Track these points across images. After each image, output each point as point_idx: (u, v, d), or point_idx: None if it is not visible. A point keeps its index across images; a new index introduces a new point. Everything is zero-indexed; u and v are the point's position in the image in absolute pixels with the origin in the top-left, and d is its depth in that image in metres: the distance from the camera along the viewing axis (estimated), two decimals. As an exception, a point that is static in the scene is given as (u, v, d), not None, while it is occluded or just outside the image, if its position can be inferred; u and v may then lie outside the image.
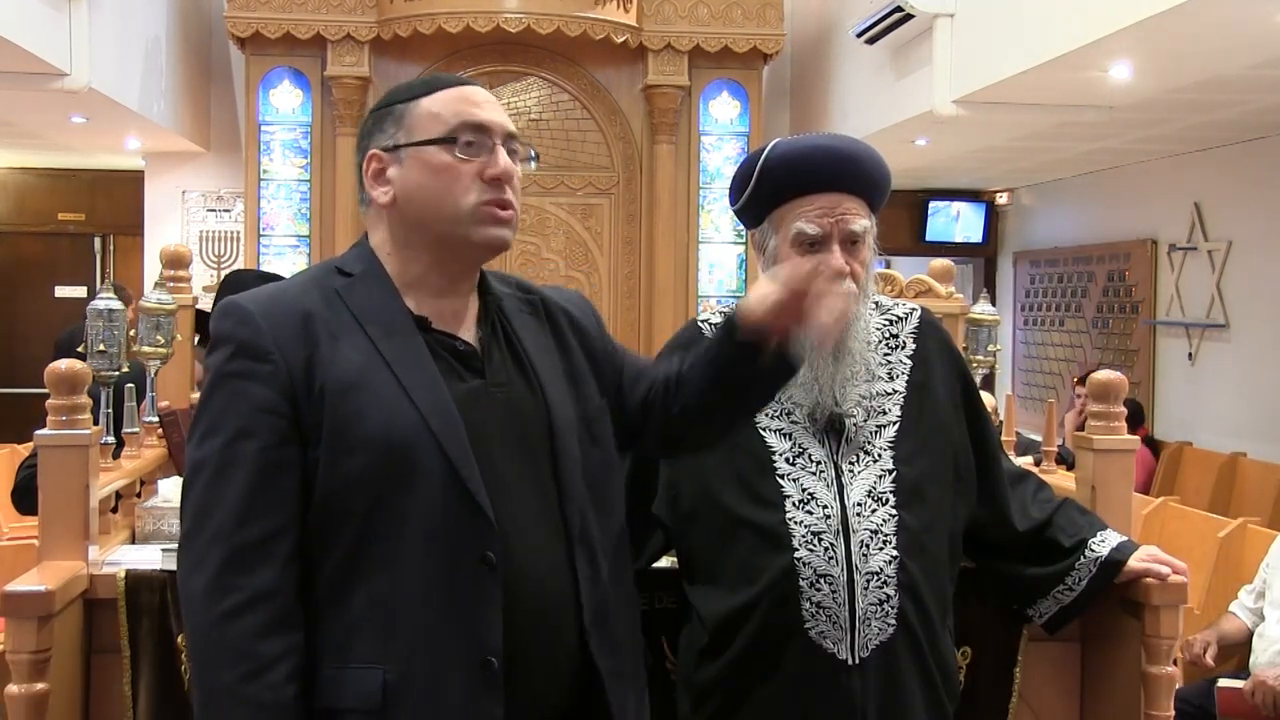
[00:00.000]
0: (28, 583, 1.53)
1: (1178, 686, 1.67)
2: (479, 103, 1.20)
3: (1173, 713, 1.63)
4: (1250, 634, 2.95)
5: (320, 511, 1.11)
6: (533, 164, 1.24)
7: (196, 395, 2.40)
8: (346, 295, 1.17)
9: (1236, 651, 2.95)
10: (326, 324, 1.14)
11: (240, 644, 1.06)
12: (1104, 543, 1.57)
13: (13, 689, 1.50)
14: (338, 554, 1.11)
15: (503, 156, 1.18)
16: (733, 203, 1.55)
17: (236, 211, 6.20)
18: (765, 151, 1.48)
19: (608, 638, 1.18)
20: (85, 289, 7.08)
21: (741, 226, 1.59)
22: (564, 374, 1.25)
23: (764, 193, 1.47)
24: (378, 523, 1.10)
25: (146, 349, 2.20)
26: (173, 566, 1.58)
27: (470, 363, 1.19)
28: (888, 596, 1.39)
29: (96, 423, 1.77)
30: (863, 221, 1.44)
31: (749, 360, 1.21)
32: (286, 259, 5.43)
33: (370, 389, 1.12)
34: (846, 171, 1.44)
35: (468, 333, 1.21)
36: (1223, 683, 2.83)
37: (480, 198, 1.17)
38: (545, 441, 1.20)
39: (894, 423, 1.46)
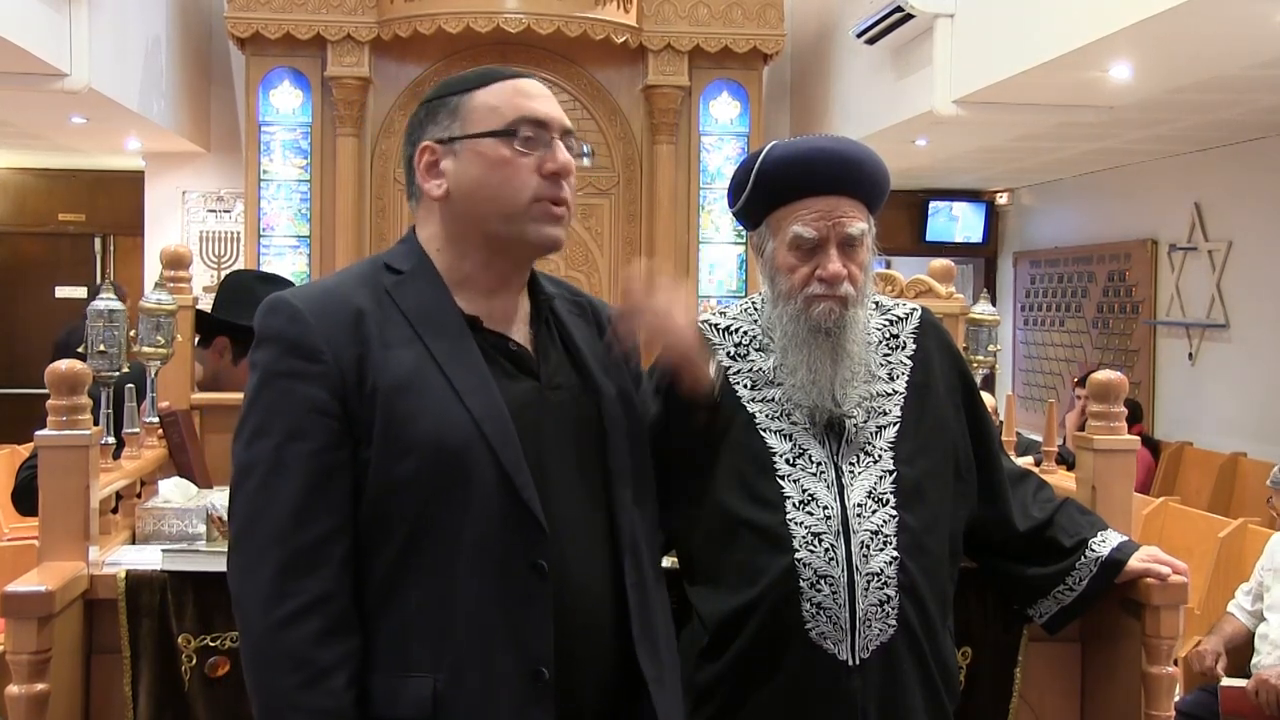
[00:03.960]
0: (28, 583, 1.52)
1: (1179, 696, 1.67)
2: (536, 95, 1.18)
3: (1173, 713, 1.63)
4: (1250, 634, 2.95)
5: (370, 514, 1.09)
6: (586, 160, 1.21)
7: (198, 395, 2.41)
8: (396, 293, 1.14)
9: (1238, 653, 2.95)
10: (378, 323, 1.11)
11: (298, 651, 1.04)
12: (1104, 543, 1.57)
13: (13, 689, 1.50)
14: (388, 558, 1.09)
15: (562, 151, 1.16)
16: (731, 205, 1.54)
17: (236, 212, 6.20)
18: (762, 155, 1.47)
19: (652, 645, 1.17)
20: (86, 289, 7.08)
21: (742, 227, 1.59)
22: (615, 376, 1.23)
23: (761, 196, 1.47)
24: (428, 527, 1.08)
25: (147, 349, 2.20)
26: (171, 567, 1.58)
27: (522, 364, 1.17)
28: (888, 597, 1.38)
29: (97, 423, 1.77)
30: (860, 224, 1.44)
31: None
32: (286, 259, 5.43)
33: (422, 391, 1.09)
34: (844, 174, 1.44)
35: (519, 332, 1.19)
36: (1226, 682, 2.83)
37: (538, 193, 1.15)
38: (597, 444, 1.18)
39: (894, 423, 1.46)
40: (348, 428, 1.09)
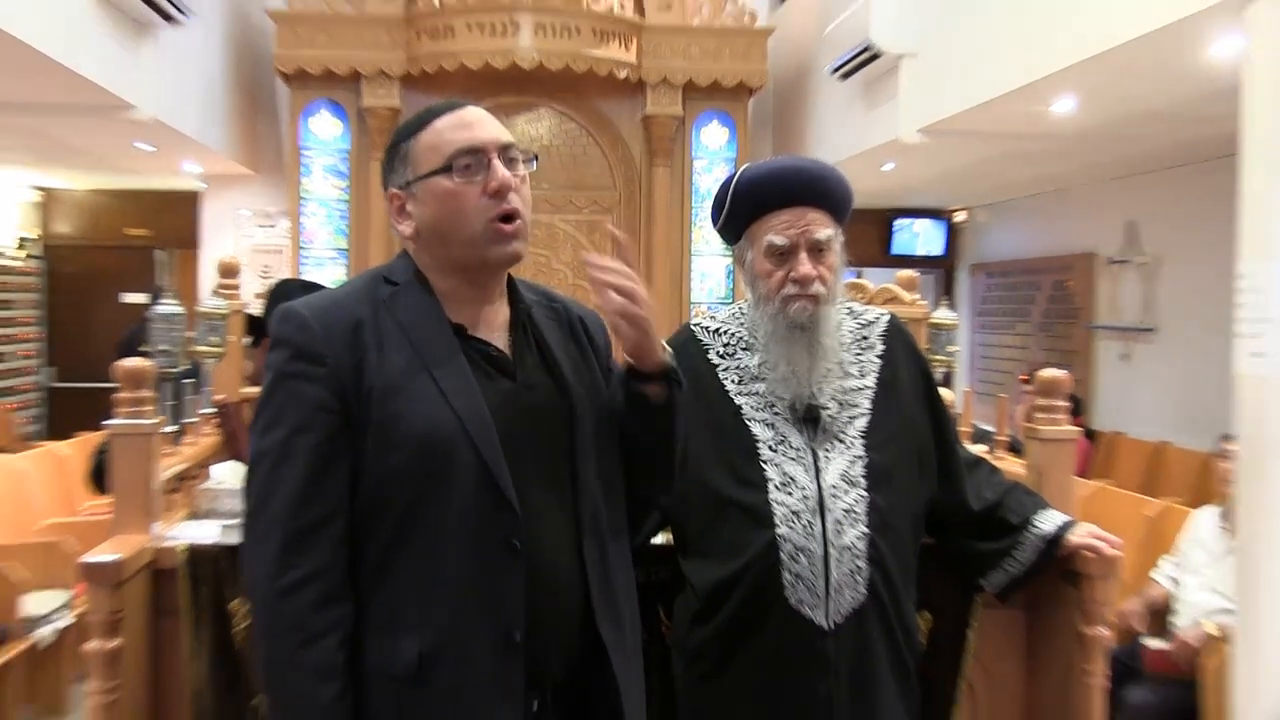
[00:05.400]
0: (102, 553, 1.54)
1: (1109, 648, 1.67)
2: (470, 123, 1.16)
3: (1106, 669, 1.64)
4: (1171, 599, 2.96)
5: (366, 499, 1.11)
6: (533, 164, 1.19)
7: (246, 390, 2.41)
8: (391, 304, 1.15)
9: (1159, 616, 2.96)
10: (374, 331, 1.13)
11: (297, 616, 1.06)
12: (1048, 521, 1.57)
13: (91, 645, 1.52)
14: (382, 536, 1.11)
15: (499, 169, 1.15)
16: (714, 223, 1.54)
17: (282, 227, 6.20)
18: (736, 177, 1.48)
19: (611, 613, 1.18)
20: (150, 296, 7.08)
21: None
22: (584, 375, 1.24)
23: (738, 212, 1.47)
24: (417, 510, 1.10)
25: (203, 348, 2.21)
26: (228, 541, 1.59)
27: (502, 366, 1.18)
28: (859, 568, 1.38)
29: (159, 414, 1.77)
30: (826, 231, 1.43)
31: (643, 400, 1.19)
32: (326, 269, 5.44)
33: (412, 392, 1.11)
34: (809, 187, 1.44)
35: (499, 338, 1.20)
36: (1148, 642, 2.84)
37: (487, 214, 1.14)
38: (566, 438, 1.19)
39: (865, 414, 1.46)
40: (347, 423, 1.10)
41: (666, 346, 1.21)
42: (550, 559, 1.14)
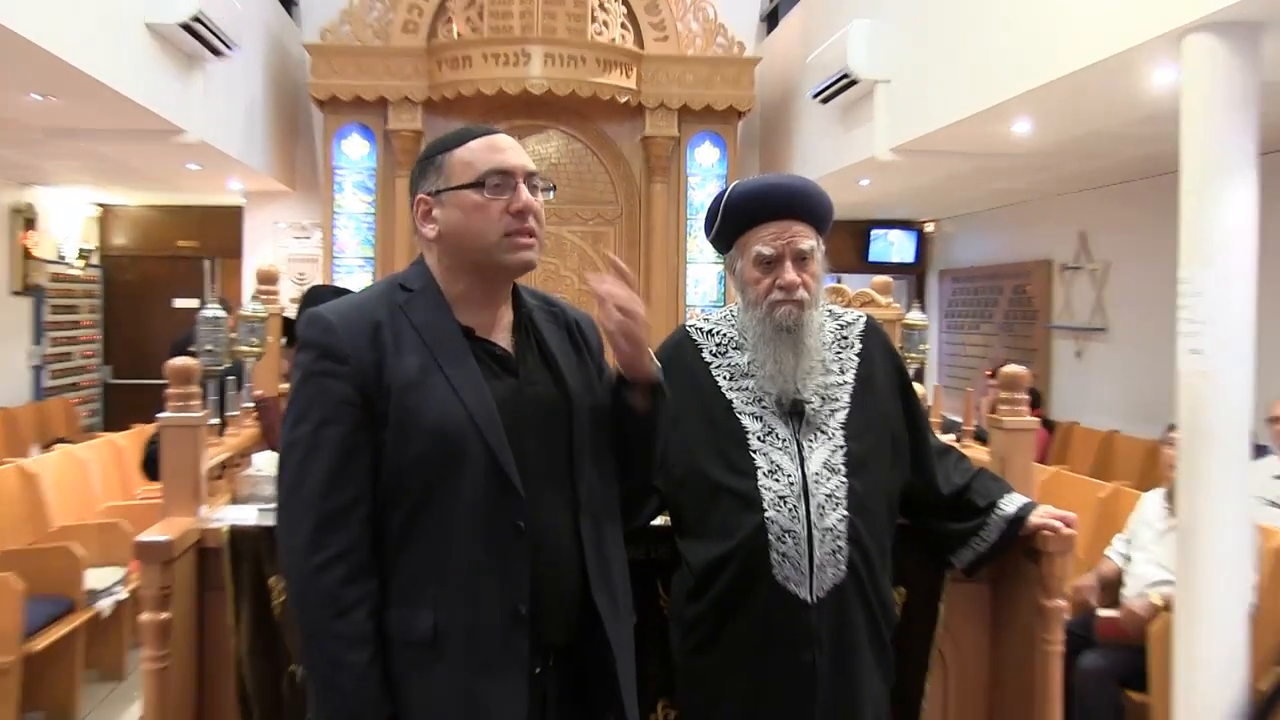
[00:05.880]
0: (154, 534, 1.53)
1: (1066, 618, 1.66)
2: (503, 149, 1.19)
3: (1063, 637, 1.63)
4: (1121, 573, 2.95)
5: (387, 484, 1.11)
6: (551, 194, 1.22)
7: (283, 386, 2.40)
8: (408, 309, 1.16)
9: (1111, 589, 2.95)
10: (393, 333, 1.13)
11: (330, 590, 1.07)
12: (1011, 503, 1.57)
13: (145, 616, 1.51)
14: (400, 519, 1.11)
15: (524, 193, 1.17)
16: (707, 234, 1.54)
17: (316, 238, 6.19)
18: (727, 192, 1.47)
19: (606, 587, 1.18)
20: (197, 301, 7.07)
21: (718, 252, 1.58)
22: (580, 372, 1.24)
23: (729, 224, 1.46)
24: (431, 495, 1.10)
25: (245, 348, 2.19)
26: (267, 523, 1.58)
27: (506, 365, 1.18)
28: (840, 548, 1.38)
29: (206, 407, 1.76)
30: (810, 241, 1.43)
31: (629, 407, 1.21)
32: (355, 276, 5.43)
33: (427, 388, 1.11)
34: (793, 202, 1.43)
35: (503, 338, 1.21)
36: (1100, 612, 2.83)
37: (506, 228, 1.16)
38: (565, 428, 1.19)
39: (844, 407, 1.46)
40: (369, 417, 1.10)
41: (656, 360, 1.20)
42: (552, 539, 1.14)
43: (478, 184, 1.16)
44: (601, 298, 1.14)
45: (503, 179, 1.17)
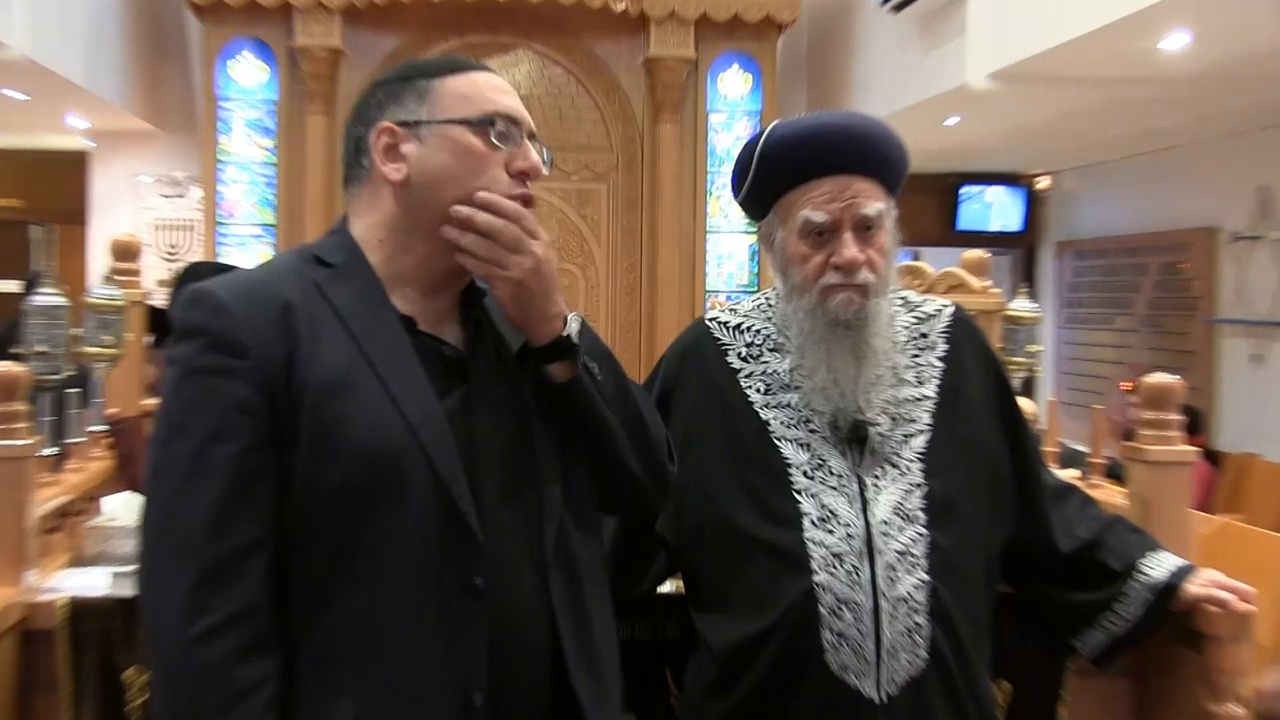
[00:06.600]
0: (-42, 611, 1.53)
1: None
2: (507, 92, 1.24)
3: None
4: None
5: (295, 524, 1.11)
6: (546, 168, 1.25)
7: (149, 401, 2.41)
8: (327, 288, 1.17)
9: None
10: (308, 318, 1.14)
11: (216, 669, 1.06)
12: (1159, 565, 1.57)
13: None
14: (312, 573, 1.11)
15: (532, 151, 1.21)
16: (735, 193, 1.55)
17: (193, 197, 6.21)
18: (763, 136, 1.48)
19: (589, 666, 1.19)
20: (21, 283, 7.08)
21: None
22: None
23: (766, 181, 1.48)
24: (357, 540, 1.11)
25: (93, 349, 2.21)
26: (123, 592, 1.58)
27: (455, 368, 1.20)
28: (917, 625, 1.38)
29: (36, 432, 1.77)
30: (877, 204, 1.44)
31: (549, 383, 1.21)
32: (250, 250, 5.43)
33: (354, 393, 1.12)
34: (854, 150, 1.44)
35: (451, 334, 1.22)
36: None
37: (506, 192, 1.19)
38: (528, 452, 1.20)
39: (923, 431, 1.46)
40: (273, 429, 1.11)
41: (563, 304, 1.21)
42: (516, 602, 1.15)
43: (483, 123, 1.19)
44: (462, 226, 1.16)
45: (509, 127, 1.20)
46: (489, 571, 1.12)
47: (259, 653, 1.08)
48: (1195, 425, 4.79)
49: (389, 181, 1.19)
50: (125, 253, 2.50)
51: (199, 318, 1.13)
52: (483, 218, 1.17)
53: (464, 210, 1.17)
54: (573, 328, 1.21)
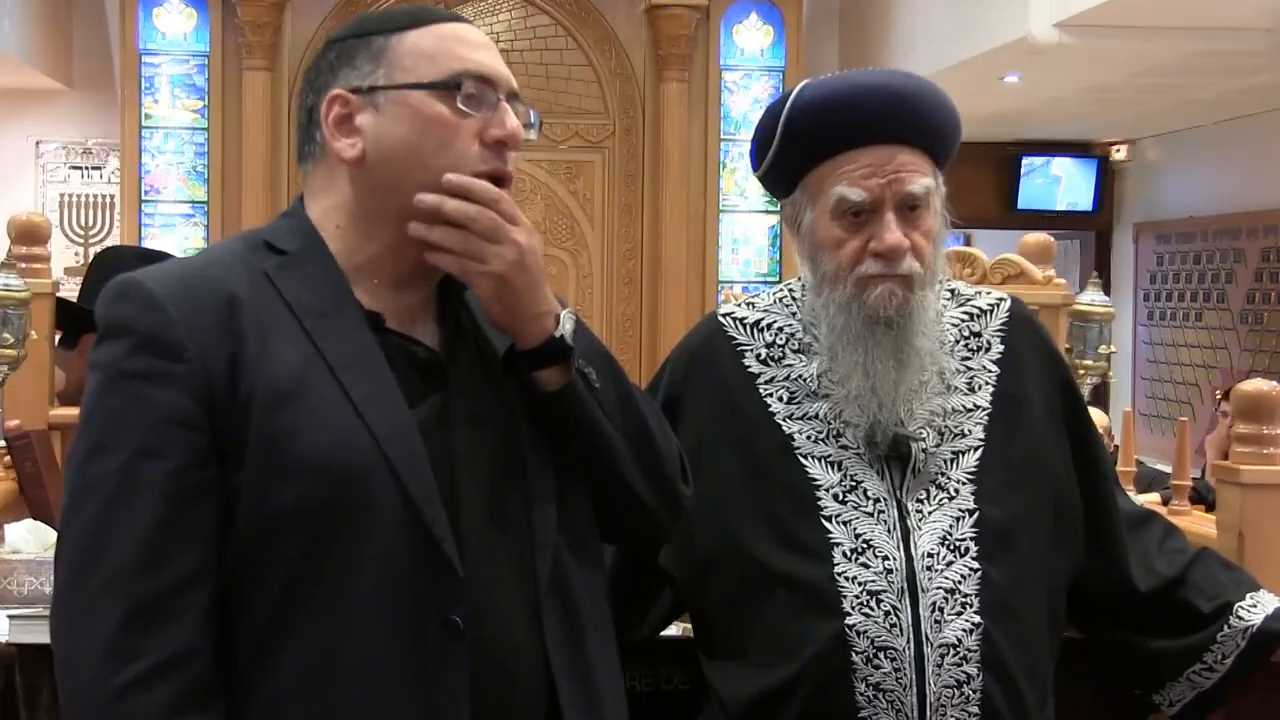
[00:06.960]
0: None
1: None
2: (480, 45, 1.23)
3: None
4: None
5: (240, 553, 1.12)
6: (533, 133, 1.25)
7: (59, 411, 2.41)
8: (279, 279, 1.17)
9: None
10: (256, 314, 1.15)
11: None
12: (1257, 607, 1.57)
13: None
14: (262, 610, 1.12)
15: (510, 115, 1.20)
16: (755, 168, 1.56)
17: (110, 169, 6.22)
18: (790, 99, 1.49)
19: (591, 711, 1.20)
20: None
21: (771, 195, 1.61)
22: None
23: (793, 152, 1.48)
24: (314, 571, 1.11)
25: (-9, 350, 2.21)
26: (28, 638, 1.59)
27: (431, 372, 1.20)
28: (968, 676, 1.39)
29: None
30: (924, 180, 1.45)
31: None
32: (177, 231, 5.45)
33: (310, 401, 1.12)
34: (898, 116, 1.45)
35: (426, 332, 1.23)
36: None
37: (475, 165, 1.18)
38: (516, 470, 1.21)
39: (976, 448, 1.47)
40: (214, 443, 1.11)
41: (556, 302, 1.22)
42: (502, 642, 1.16)
43: (448, 85, 1.19)
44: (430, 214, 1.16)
45: (481, 89, 1.19)
46: (470, 608, 1.13)
47: (197, 704, 1.08)
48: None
49: (343, 159, 1.20)
50: (28, 235, 2.51)
51: (127, 313, 1.14)
52: (451, 204, 1.16)
53: (430, 199, 1.16)
54: (565, 327, 1.22)
